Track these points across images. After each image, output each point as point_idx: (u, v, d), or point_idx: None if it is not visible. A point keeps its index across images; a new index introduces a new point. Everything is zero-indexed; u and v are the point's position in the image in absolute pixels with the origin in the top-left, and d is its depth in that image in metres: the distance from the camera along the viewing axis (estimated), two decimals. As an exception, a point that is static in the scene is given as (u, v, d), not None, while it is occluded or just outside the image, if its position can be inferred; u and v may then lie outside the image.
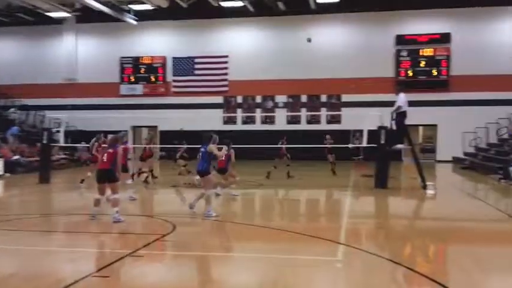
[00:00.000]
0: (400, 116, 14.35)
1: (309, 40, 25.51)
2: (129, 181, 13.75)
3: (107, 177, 9.25)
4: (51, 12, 26.14)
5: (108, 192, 9.45)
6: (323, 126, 27.16)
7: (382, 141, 14.35)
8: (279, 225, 9.18)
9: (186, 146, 18.20)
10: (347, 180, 17.07)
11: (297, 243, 7.73)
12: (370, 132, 14.98)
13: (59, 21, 28.57)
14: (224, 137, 12.15)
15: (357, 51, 26.80)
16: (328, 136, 18.27)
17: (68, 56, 29.97)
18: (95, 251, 7.46)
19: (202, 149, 9.95)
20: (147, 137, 19.15)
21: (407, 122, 14.64)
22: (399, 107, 14.27)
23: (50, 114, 26.92)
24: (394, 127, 14.48)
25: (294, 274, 5.99)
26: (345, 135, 23.53)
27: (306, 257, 6.81)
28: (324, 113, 27.48)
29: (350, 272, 6.20)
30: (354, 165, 21.46)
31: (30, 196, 10.32)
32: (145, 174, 15.54)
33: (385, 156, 14.49)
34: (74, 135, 24.29)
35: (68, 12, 26.24)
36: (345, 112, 26.26)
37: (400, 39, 26.71)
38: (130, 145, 9.06)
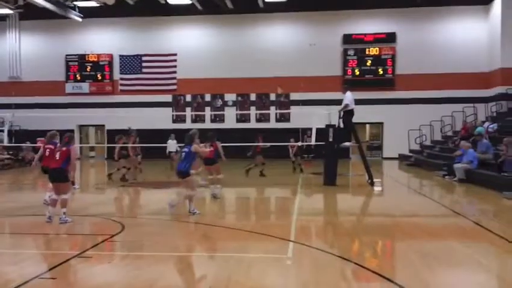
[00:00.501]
0: (347, 114, 14.70)
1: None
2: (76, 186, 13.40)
3: (58, 177, 9.08)
4: (-8, 8, 25.00)
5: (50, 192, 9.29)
6: (272, 124, 27.45)
7: (330, 139, 14.64)
8: (230, 224, 9.22)
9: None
10: (297, 177, 17.32)
11: (247, 241, 7.78)
12: (318, 130, 15.25)
13: (2, 18, 27.37)
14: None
15: (305, 50, 27.19)
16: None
17: (11, 54, 28.80)
18: (41, 253, 7.24)
19: (185, 149, 9.73)
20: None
21: (355, 120, 15.04)
22: (346, 105, 14.60)
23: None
24: (342, 125, 14.81)
25: (244, 272, 6.04)
26: (294, 134, 23.85)
27: (256, 255, 6.88)
28: (273, 111, 27.74)
29: (300, 269, 6.28)
30: (304, 163, 21.76)
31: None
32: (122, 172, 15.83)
33: (333, 154, 14.79)
34: (18, 135, 23.36)
35: (10, 8, 25.17)
36: (293, 110, 26.62)
37: (347, 39, 27.32)
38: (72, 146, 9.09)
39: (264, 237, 7.91)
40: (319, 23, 27.45)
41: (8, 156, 23.06)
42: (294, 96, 27.53)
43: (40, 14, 25.75)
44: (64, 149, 9.16)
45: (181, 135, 13.13)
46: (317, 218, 10.17)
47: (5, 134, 17.41)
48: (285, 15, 27.49)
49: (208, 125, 27.43)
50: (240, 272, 6.03)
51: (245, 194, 14.23)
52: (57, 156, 9.13)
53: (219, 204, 11.69)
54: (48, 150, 9.88)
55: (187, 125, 27.48)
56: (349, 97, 14.66)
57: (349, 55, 27.41)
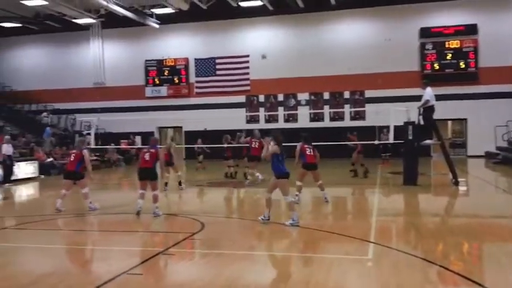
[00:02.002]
0: (428, 110, 14.10)
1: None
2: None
3: (149, 175, 9.96)
4: (77, 19, 26.64)
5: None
6: (347, 123, 26.97)
7: (410, 137, 14.11)
8: (308, 224, 9.12)
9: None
10: (375, 177, 16.86)
11: (326, 242, 7.67)
12: (396, 128, 14.75)
13: (86, 27, 29.14)
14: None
15: (379, 45, 26.48)
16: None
17: (95, 61, 30.56)
18: (128, 249, 7.52)
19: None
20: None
21: (435, 116, 14.38)
22: (427, 101, 14.01)
23: (80, 117, 27.60)
24: (422, 122, 14.24)
25: (324, 273, 5.94)
26: (370, 132, 23.28)
27: (336, 256, 6.75)
28: (347, 109, 27.25)
29: (381, 270, 6.09)
30: (382, 163, 21.17)
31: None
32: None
33: (413, 152, 14.24)
34: (103, 137, 24.75)
35: (93, 18, 26.73)
36: (369, 108, 26.01)
37: (425, 32, 26.28)
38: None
39: (343, 237, 7.76)
40: (394, 17, 26.62)
41: (95, 157, 24.48)
42: (369, 93, 26.87)
43: (120, 22, 27.22)
44: (152, 150, 10.13)
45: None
46: (398, 219, 9.83)
47: (92, 136, 18.41)
48: (357, 11, 26.95)
49: (281, 124, 27.46)
50: (320, 273, 5.94)
51: (321, 194, 14.02)
52: (147, 157, 10.01)
53: (297, 205, 11.58)
54: (148, 153, 10.31)
55: (261, 125, 27.73)
56: (429, 93, 14.05)
57: (427, 49, 26.32)
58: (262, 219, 8.92)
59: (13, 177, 17.59)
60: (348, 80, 26.99)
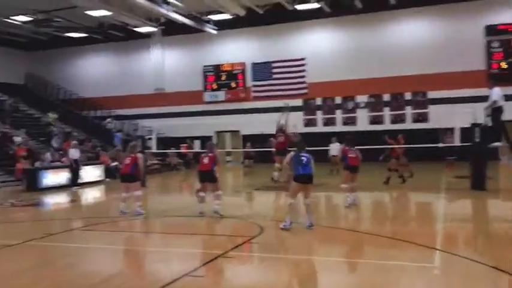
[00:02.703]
0: (496, 111, 13.36)
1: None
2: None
3: (208, 177, 10.36)
4: (139, 27, 27.70)
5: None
6: (408, 125, 26.14)
7: (477, 140, 13.47)
8: (369, 229, 8.89)
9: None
10: (439, 181, 16.20)
11: (390, 248, 7.42)
12: (462, 130, 14.13)
13: (147, 35, 30.09)
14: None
15: (441, 45, 25.51)
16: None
17: (156, 68, 31.40)
18: (188, 252, 7.64)
19: (306, 155, 8.94)
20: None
21: (504, 117, 13.62)
22: (495, 102, 13.26)
23: (142, 122, 28.52)
24: (490, 124, 13.54)
25: (388, 280, 5.76)
26: (432, 134, 22.48)
27: (400, 263, 6.50)
28: (409, 111, 26.41)
29: (449, 279, 5.81)
30: (446, 166, 20.35)
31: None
32: None
33: (481, 156, 13.58)
34: (164, 142, 25.43)
35: (154, 26, 27.67)
36: (432, 109, 25.05)
37: (491, 30, 25.03)
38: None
39: (407, 244, 7.47)
40: (457, 15, 25.54)
41: (157, 161, 25.25)
42: (432, 94, 25.95)
43: (179, 29, 27.87)
44: (211, 154, 10.48)
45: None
46: (465, 225, 9.38)
47: (154, 141, 18.93)
48: (417, 10, 26.09)
49: (339, 127, 27.01)
50: (384, 280, 5.76)
51: (383, 198, 13.68)
52: (206, 161, 10.40)
53: (356, 209, 11.34)
54: (207, 157, 10.69)
55: (319, 128, 27.50)
56: (497, 92, 13.28)
57: (494, 47, 25.07)
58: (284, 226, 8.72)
59: (80, 181, 18.35)
60: (409, 80, 26.16)
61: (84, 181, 18.66)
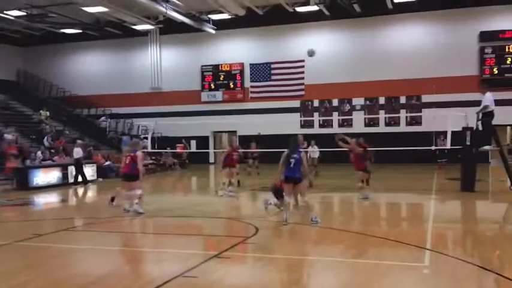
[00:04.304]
0: (487, 116, 13.68)
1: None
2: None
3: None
4: (136, 25, 27.50)
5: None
6: (402, 128, 26.48)
7: (468, 143, 13.78)
8: (361, 229, 9.10)
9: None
10: (431, 183, 16.49)
11: (381, 248, 7.63)
12: (454, 133, 14.43)
13: (144, 33, 30.08)
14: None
15: (436, 50, 25.85)
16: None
17: (153, 66, 31.46)
18: (182, 252, 7.61)
19: (295, 156, 9.25)
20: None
21: (494, 122, 13.95)
22: (486, 107, 13.59)
23: (137, 121, 28.53)
24: (480, 128, 13.85)
25: (379, 279, 5.96)
26: (426, 137, 22.77)
27: (391, 262, 6.72)
28: (403, 115, 26.73)
29: (438, 278, 6.01)
30: (438, 168, 20.65)
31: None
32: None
33: (471, 158, 13.88)
34: (159, 142, 25.51)
35: (152, 24, 27.51)
36: (425, 113, 25.36)
37: (485, 36, 25.41)
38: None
39: (398, 244, 7.69)
40: (452, 21, 25.89)
41: (152, 161, 25.26)
42: (426, 98, 26.26)
43: (178, 28, 27.81)
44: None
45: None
46: (455, 226, 9.62)
47: (149, 141, 18.93)
48: (414, 15, 26.40)
49: (335, 129, 27.17)
50: (375, 280, 5.95)
51: (376, 199, 13.88)
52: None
53: (349, 210, 11.62)
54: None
55: (315, 129, 27.71)
56: (489, 98, 13.62)
57: (487, 53, 25.45)
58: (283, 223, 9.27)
59: (79, 180, 18.14)
60: (404, 84, 26.48)
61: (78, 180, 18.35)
